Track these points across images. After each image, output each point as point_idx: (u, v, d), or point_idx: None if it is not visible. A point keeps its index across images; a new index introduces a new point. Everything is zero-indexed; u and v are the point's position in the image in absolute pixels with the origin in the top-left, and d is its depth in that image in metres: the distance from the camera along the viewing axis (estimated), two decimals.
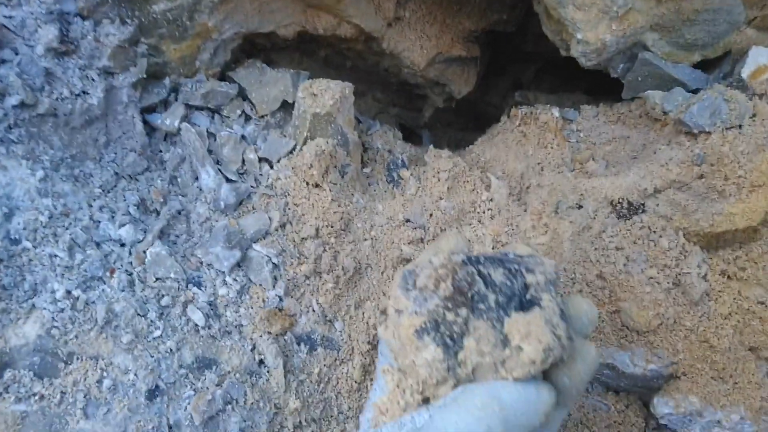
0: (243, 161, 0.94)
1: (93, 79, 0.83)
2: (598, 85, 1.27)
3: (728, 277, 0.85)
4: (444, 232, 0.64)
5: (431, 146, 1.05)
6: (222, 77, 1.00)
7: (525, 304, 0.52)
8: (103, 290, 0.73)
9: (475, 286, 0.52)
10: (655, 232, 0.85)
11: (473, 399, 0.49)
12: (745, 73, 0.91)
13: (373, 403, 0.58)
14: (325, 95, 0.91)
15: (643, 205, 0.86)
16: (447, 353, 0.52)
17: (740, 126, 0.85)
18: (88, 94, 0.82)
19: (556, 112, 1.01)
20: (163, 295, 0.76)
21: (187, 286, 0.79)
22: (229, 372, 0.76)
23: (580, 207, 0.90)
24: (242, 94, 0.99)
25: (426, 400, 0.55)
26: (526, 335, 0.50)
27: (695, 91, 0.94)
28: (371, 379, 0.87)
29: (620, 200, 0.87)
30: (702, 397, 0.84)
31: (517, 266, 0.54)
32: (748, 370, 0.84)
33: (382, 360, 0.61)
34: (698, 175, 0.83)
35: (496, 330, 0.51)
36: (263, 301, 0.83)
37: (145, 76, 0.88)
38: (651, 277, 0.84)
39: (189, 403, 0.71)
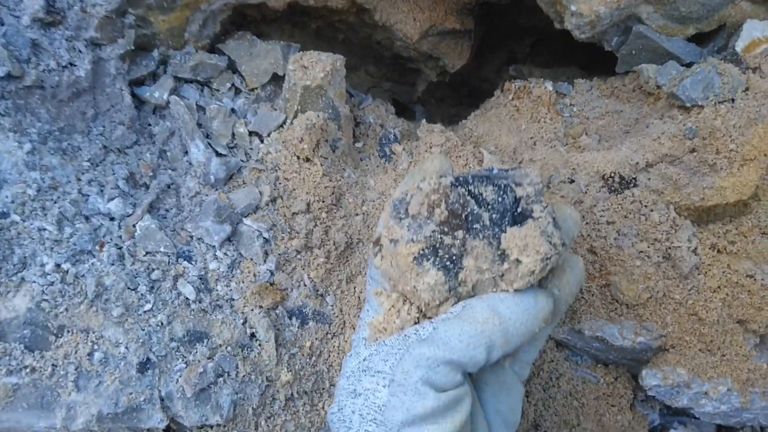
0: (233, 135, 0.93)
1: (80, 51, 0.81)
2: (594, 60, 1.26)
3: (718, 250, 0.85)
4: (427, 155, 0.61)
5: (423, 121, 1.04)
6: (211, 49, 0.99)
7: (518, 218, 0.53)
8: (92, 264, 0.72)
9: (468, 207, 0.53)
10: (646, 206, 0.85)
11: (475, 314, 0.52)
12: (739, 46, 0.90)
13: (367, 323, 0.60)
14: (316, 68, 0.90)
15: (634, 179, 0.86)
16: (448, 275, 0.53)
17: (733, 100, 0.84)
18: (75, 65, 0.81)
19: (549, 86, 1.00)
20: (153, 269, 0.76)
21: (177, 260, 0.79)
22: (220, 345, 0.76)
23: (572, 181, 0.89)
24: (232, 67, 0.98)
25: (425, 317, 0.58)
26: (523, 248, 0.51)
27: (689, 65, 0.93)
28: None
29: (612, 174, 0.87)
30: (690, 369, 0.85)
31: (504, 181, 0.55)
32: (736, 343, 0.85)
33: (373, 284, 0.63)
34: (690, 149, 0.83)
35: (493, 246, 0.53)
36: (254, 275, 0.83)
37: (133, 47, 0.87)
38: (641, 251, 0.84)
39: (180, 376, 0.72)
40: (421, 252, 0.53)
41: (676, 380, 0.85)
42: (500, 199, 0.54)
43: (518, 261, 0.52)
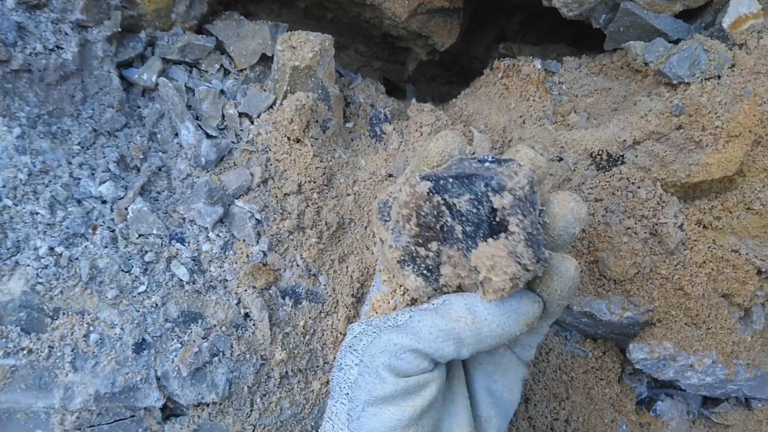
0: (222, 116, 0.93)
1: (66, 33, 0.81)
2: (583, 37, 1.26)
3: (704, 226, 0.86)
4: (436, 134, 0.61)
5: (413, 100, 1.04)
6: (199, 30, 0.98)
7: (494, 228, 0.52)
8: (86, 247, 0.73)
9: (442, 218, 0.53)
10: (633, 183, 0.86)
11: (450, 310, 0.54)
12: (726, 22, 0.90)
13: (369, 298, 0.64)
14: (305, 48, 0.89)
15: (622, 156, 0.87)
16: (428, 281, 0.56)
17: (719, 76, 0.85)
18: (62, 48, 0.80)
19: (538, 64, 1.00)
20: (146, 251, 0.77)
21: (170, 242, 0.79)
22: (215, 325, 0.77)
23: (561, 159, 0.90)
24: (220, 48, 0.98)
25: (414, 302, 0.60)
26: (491, 267, 0.51)
27: (677, 42, 0.94)
28: None
29: (600, 152, 0.87)
30: (676, 342, 0.87)
31: (485, 187, 0.51)
32: (721, 316, 0.86)
33: (381, 264, 0.66)
34: (676, 126, 0.84)
35: (467, 258, 0.53)
36: (247, 256, 0.84)
37: (119, 29, 0.86)
38: (628, 228, 0.86)
39: (176, 356, 0.73)
40: (402, 258, 0.56)
41: (663, 353, 0.87)
42: (475, 211, 0.52)
43: (488, 278, 0.52)
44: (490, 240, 0.51)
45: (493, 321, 0.53)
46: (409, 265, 0.56)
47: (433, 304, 0.56)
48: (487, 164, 0.54)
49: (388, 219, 0.57)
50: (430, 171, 0.58)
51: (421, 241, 0.55)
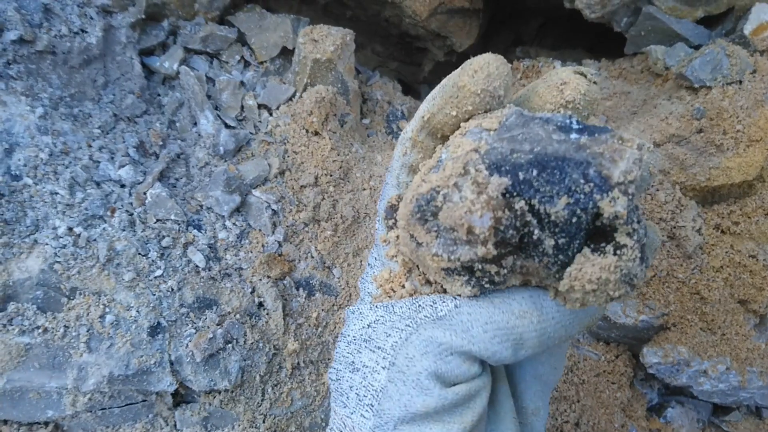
0: (242, 107, 0.93)
1: (91, 18, 0.81)
2: (600, 44, 1.26)
3: (722, 231, 0.86)
4: (469, 61, 0.43)
5: None
6: (221, 21, 0.99)
7: (596, 235, 0.37)
8: (104, 229, 0.73)
9: (526, 229, 0.37)
10: (652, 185, 0.86)
11: (512, 302, 0.41)
12: (748, 29, 0.91)
13: (374, 277, 0.49)
14: (326, 41, 0.90)
15: None
16: (483, 290, 0.42)
17: (740, 81, 0.85)
18: (86, 32, 0.81)
19: (558, 65, 1.00)
20: (163, 236, 0.76)
21: (187, 229, 0.79)
22: (229, 313, 0.77)
23: None
24: (241, 39, 0.98)
25: (439, 286, 0.45)
26: (592, 291, 0.37)
27: (697, 47, 0.94)
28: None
29: None
30: (690, 347, 0.86)
31: (584, 182, 0.35)
32: (737, 322, 0.86)
33: (382, 229, 0.50)
34: (697, 130, 0.84)
35: (551, 272, 0.39)
36: (262, 246, 0.83)
37: (143, 16, 0.87)
38: None
39: (190, 341, 0.72)
40: (453, 269, 0.41)
41: (677, 358, 0.86)
42: (573, 221, 0.36)
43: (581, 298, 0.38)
44: (588, 252, 0.36)
45: (560, 320, 0.41)
46: (461, 275, 0.41)
47: (484, 293, 0.42)
48: (573, 136, 0.36)
49: (430, 219, 0.40)
50: (476, 133, 0.40)
51: (491, 259, 0.39)
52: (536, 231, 0.37)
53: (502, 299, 0.41)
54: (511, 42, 1.41)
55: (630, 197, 0.35)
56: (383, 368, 0.44)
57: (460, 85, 0.42)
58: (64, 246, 0.69)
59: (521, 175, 0.36)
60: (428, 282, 0.46)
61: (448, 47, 1.22)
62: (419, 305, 0.44)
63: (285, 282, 0.84)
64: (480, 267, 0.39)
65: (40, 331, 0.66)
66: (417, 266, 0.46)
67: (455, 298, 0.42)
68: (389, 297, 0.47)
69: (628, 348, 0.96)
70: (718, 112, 0.82)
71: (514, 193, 0.36)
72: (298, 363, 0.81)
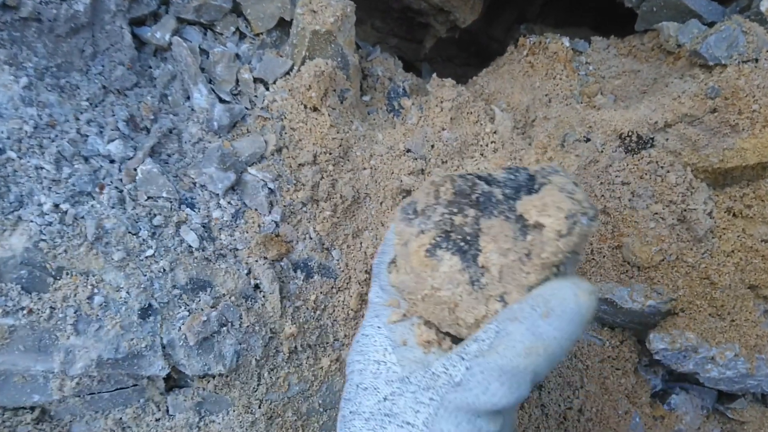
0: (237, 81, 0.89)
1: None
2: (604, 22, 1.23)
3: (734, 214, 0.83)
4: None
5: (434, 75, 1.01)
6: None
7: (534, 190, 0.47)
8: (92, 206, 0.69)
9: (477, 188, 0.49)
10: (662, 167, 0.83)
11: (515, 344, 0.42)
12: (764, 6, 0.87)
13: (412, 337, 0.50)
14: (326, 12, 0.86)
15: (652, 139, 0.84)
16: (465, 259, 0.47)
17: (756, 60, 0.82)
18: None
19: (566, 41, 0.97)
20: (155, 215, 0.73)
21: (179, 207, 0.76)
22: (224, 295, 0.74)
23: (588, 140, 0.87)
24: (237, 10, 0.93)
25: (448, 336, 0.50)
26: (542, 207, 0.44)
27: (711, 24, 0.91)
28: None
29: (630, 133, 0.84)
30: (699, 333, 0.84)
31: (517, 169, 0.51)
32: (746, 308, 0.84)
33: (384, 296, 0.55)
34: (711, 109, 0.81)
35: (511, 220, 0.46)
36: (259, 226, 0.80)
37: None
38: (656, 213, 0.82)
39: (183, 324, 0.69)
40: (433, 242, 0.48)
41: (684, 344, 0.84)
42: (512, 177, 0.49)
43: (540, 225, 0.44)
44: (532, 193, 0.47)
45: (561, 336, 0.42)
46: (441, 247, 0.48)
47: (485, 340, 0.44)
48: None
49: (414, 216, 0.51)
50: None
51: (456, 209, 0.48)
52: (485, 186, 0.49)
53: (504, 344, 0.43)
54: (514, 20, 1.37)
55: (554, 169, 0.48)
56: None
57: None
58: (50, 223, 0.66)
59: (470, 173, 0.51)
60: (441, 339, 0.51)
61: (451, 23, 1.18)
62: (433, 374, 0.46)
63: (282, 263, 0.81)
64: (451, 222, 0.48)
65: (24, 312, 0.63)
66: (419, 320, 0.52)
67: (464, 359, 0.44)
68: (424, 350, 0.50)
69: (633, 333, 0.94)
70: (734, 91, 0.79)
71: (465, 175, 0.50)
72: (296, 347, 0.79)
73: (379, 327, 0.51)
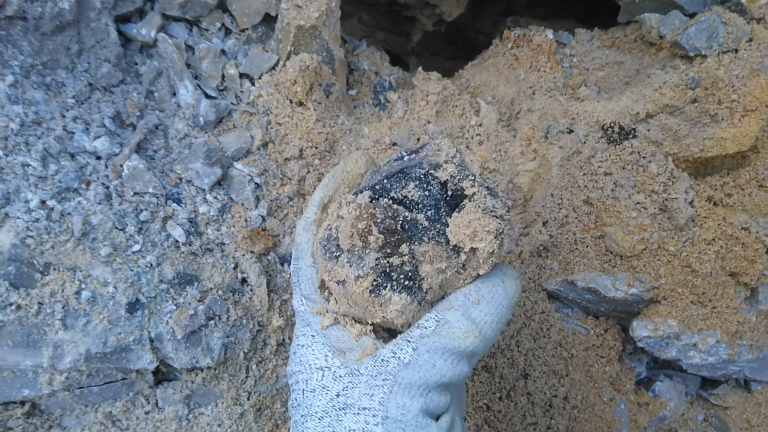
0: (222, 77, 0.89)
1: None
2: (591, 15, 1.23)
3: (714, 203, 0.85)
4: (347, 155, 0.60)
5: (420, 68, 1.01)
6: None
7: (452, 202, 0.50)
8: (79, 202, 0.70)
9: (399, 217, 0.49)
10: (644, 157, 0.84)
11: (454, 329, 0.48)
12: None
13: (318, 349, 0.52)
14: (311, 7, 0.86)
15: (634, 130, 0.85)
16: (412, 292, 0.49)
17: (736, 50, 0.83)
18: None
19: (550, 34, 0.97)
20: (141, 210, 0.74)
21: (166, 202, 0.76)
22: (211, 289, 0.75)
23: (571, 131, 0.88)
24: (222, 6, 0.94)
25: (383, 329, 0.53)
26: (473, 235, 0.47)
27: (692, 15, 0.91)
28: None
29: (612, 124, 0.85)
30: (681, 320, 0.85)
31: (421, 169, 0.50)
32: (727, 295, 0.85)
33: (301, 305, 0.55)
34: (691, 99, 0.82)
35: (442, 244, 0.48)
36: (245, 220, 0.81)
37: None
38: (638, 203, 0.84)
39: (170, 318, 0.70)
40: (375, 282, 0.48)
41: (667, 331, 0.86)
42: (426, 193, 0.49)
43: (474, 250, 0.48)
44: (455, 214, 0.48)
45: (492, 320, 0.49)
46: (385, 287, 0.48)
47: (427, 327, 0.48)
48: (406, 158, 0.53)
49: (339, 253, 0.50)
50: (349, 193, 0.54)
51: (389, 250, 0.48)
52: (406, 214, 0.49)
53: (445, 330, 0.48)
54: (501, 13, 1.37)
55: (456, 164, 0.50)
56: (376, 425, 0.46)
57: (347, 169, 0.58)
58: (37, 220, 0.67)
59: (378, 187, 0.50)
60: (375, 331, 0.53)
61: (438, 16, 1.18)
62: (382, 360, 0.48)
63: (269, 257, 0.81)
64: (388, 264, 0.48)
65: (13, 308, 0.64)
66: (366, 325, 0.53)
67: (410, 342, 0.48)
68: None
69: (617, 322, 0.95)
70: (713, 82, 0.80)
71: (377, 197, 0.50)
72: (283, 340, 0.80)
73: (313, 336, 0.53)
